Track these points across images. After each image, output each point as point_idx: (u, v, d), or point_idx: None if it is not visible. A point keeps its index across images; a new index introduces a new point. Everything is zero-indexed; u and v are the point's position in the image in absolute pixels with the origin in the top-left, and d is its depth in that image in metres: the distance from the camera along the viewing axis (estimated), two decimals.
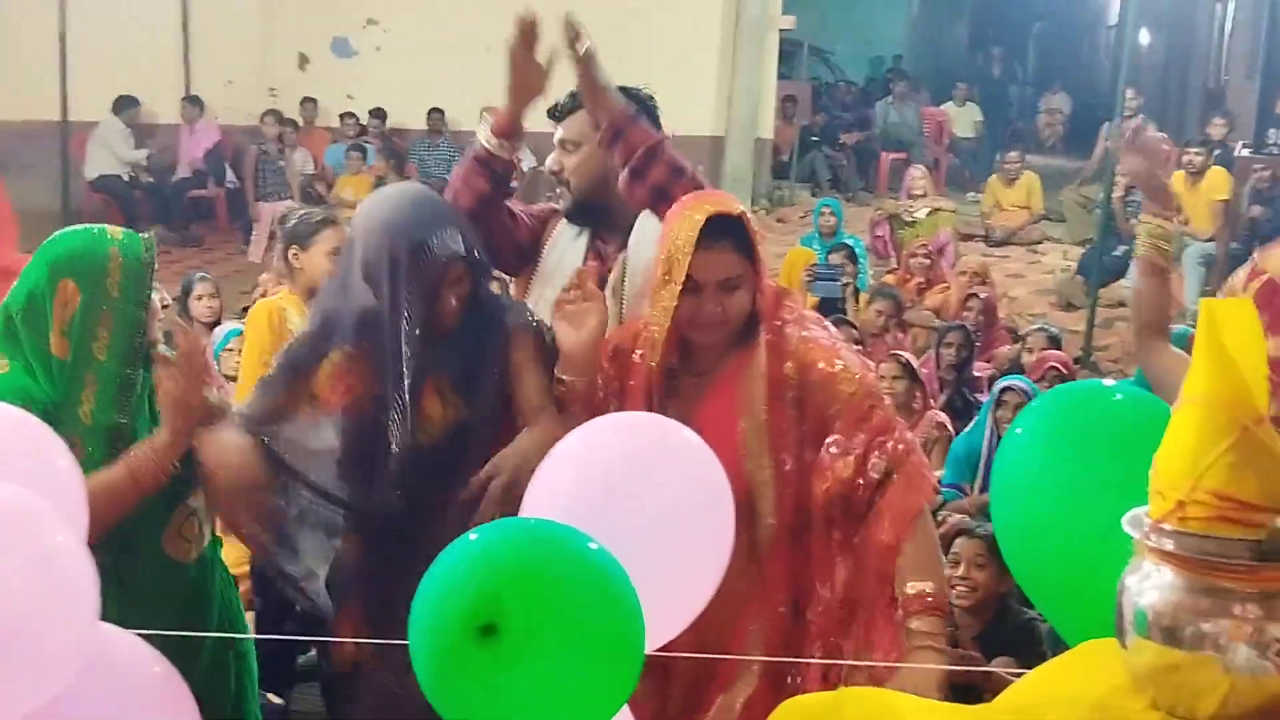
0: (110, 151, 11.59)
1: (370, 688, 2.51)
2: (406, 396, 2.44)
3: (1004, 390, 4.85)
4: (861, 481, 2.25)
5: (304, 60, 12.80)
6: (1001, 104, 15.58)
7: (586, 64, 2.84)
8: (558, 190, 3.05)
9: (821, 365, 2.34)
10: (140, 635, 1.86)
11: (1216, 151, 10.04)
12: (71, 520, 1.71)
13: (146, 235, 2.44)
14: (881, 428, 2.30)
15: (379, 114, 12.19)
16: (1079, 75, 19.14)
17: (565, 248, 3.05)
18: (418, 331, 2.43)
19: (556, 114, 3.06)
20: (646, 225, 2.90)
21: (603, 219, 3.00)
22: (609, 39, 11.26)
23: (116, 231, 2.38)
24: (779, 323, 2.39)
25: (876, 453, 2.26)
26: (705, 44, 12.38)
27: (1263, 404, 1.28)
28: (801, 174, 13.35)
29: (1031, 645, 3.27)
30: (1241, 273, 2.50)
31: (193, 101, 12.10)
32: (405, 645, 1.56)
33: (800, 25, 13.05)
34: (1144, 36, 15.82)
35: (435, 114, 12.03)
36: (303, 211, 4.15)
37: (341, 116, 12.22)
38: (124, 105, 11.69)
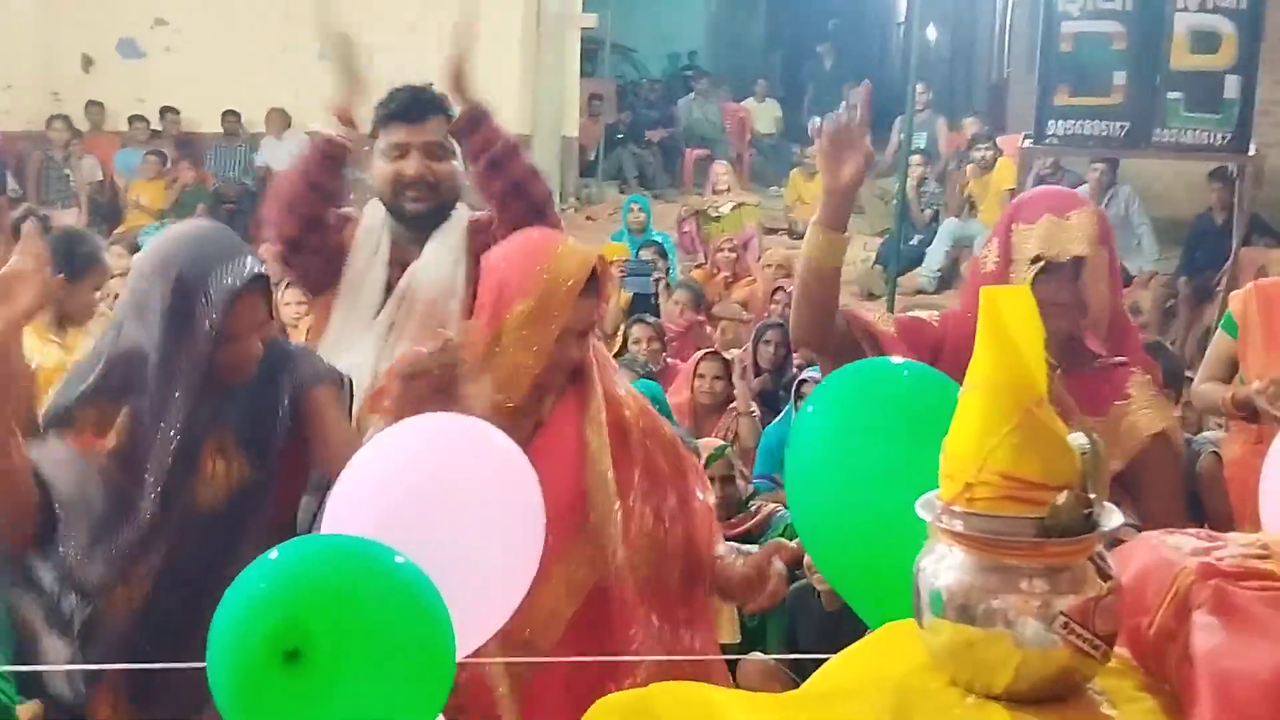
0: None
1: None
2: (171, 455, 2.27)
3: (802, 382, 4.96)
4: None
5: (88, 62, 12.24)
6: (800, 99, 15.93)
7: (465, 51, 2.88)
8: (408, 195, 2.99)
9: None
10: None
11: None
12: None
13: None
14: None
15: (172, 111, 11.74)
16: (872, 71, 19.74)
17: (367, 260, 3.01)
18: (190, 382, 2.26)
19: (410, 115, 2.98)
20: (439, 244, 2.92)
21: (424, 227, 2.99)
22: (409, 38, 11.10)
23: None
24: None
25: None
26: (507, 43, 12.33)
27: (1043, 386, 1.34)
28: (609, 171, 13.42)
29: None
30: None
31: None
32: None
33: (601, 23, 13.11)
34: (930, 33, 16.39)
35: (230, 116, 11.67)
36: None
37: (131, 119, 11.74)
38: None
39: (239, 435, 2.35)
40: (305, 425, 2.40)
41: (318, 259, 3.02)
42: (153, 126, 11.72)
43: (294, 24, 12.01)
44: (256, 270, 2.33)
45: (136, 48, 12.21)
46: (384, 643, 1.47)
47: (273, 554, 1.55)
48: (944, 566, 1.32)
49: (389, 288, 3.00)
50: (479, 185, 2.98)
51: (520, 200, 2.96)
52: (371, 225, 3.05)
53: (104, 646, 2.27)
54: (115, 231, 10.38)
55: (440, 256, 3.00)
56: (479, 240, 2.92)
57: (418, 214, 3.02)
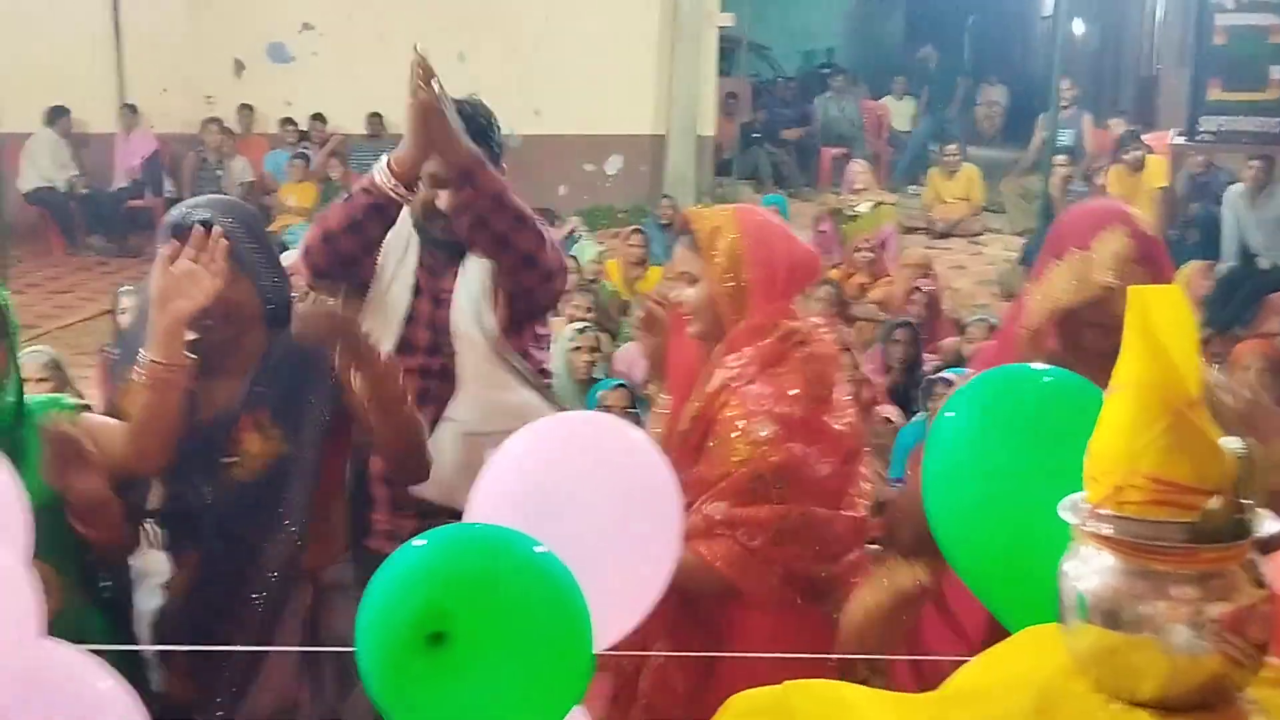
0: (42, 162, 11.44)
1: None
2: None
3: (935, 383, 4.89)
4: None
5: (240, 66, 12.67)
6: (940, 97, 15.68)
7: (440, 107, 2.70)
8: (439, 223, 2.94)
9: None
10: (88, 650, 1.84)
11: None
12: (11, 537, 1.68)
13: None
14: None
15: (319, 118, 12.10)
16: (1015, 67, 19.33)
17: (394, 271, 3.01)
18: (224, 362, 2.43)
19: None
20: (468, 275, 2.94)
21: (453, 251, 2.97)
22: (549, 40, 11.27)
23: None
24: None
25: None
26: (644, 43, 12.40)
27: (1194, 387, 1.31)
28: (744, 171, 13.39)
29: None
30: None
31: (129, 110, 11.95)
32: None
33: (738, 22, 13.09)
34: (1077, 27, 15.99)
35: (374, 118, 11.97)
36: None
37: (281, 122, 12.12)
38: (55, 115, 11.53)
39: (275, 411, 2.46)
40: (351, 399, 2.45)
41: (342, 283, 3.00)
42: (300, 128, 12.07)
43: (435, 27, 12.28)
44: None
45: (285, 52, 12.59)
46: (524, 629, 1.51)
47: (419, 541, 1.60)
48: (1089, 570, 1.30)
49: (417, 290, 3.00)
50: (467, 238, 2.88)
51: (509, 253, 2.87)
52: (401, 230, 2.99)
53: (170, 620, 2.44)
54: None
55: (469, 288, 2.96)
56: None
57: (446, 242, 2.98)
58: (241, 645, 2.36)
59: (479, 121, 2.92)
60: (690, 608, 2.41)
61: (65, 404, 2.51)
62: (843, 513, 2.47)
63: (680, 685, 2.45)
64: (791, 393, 2.43)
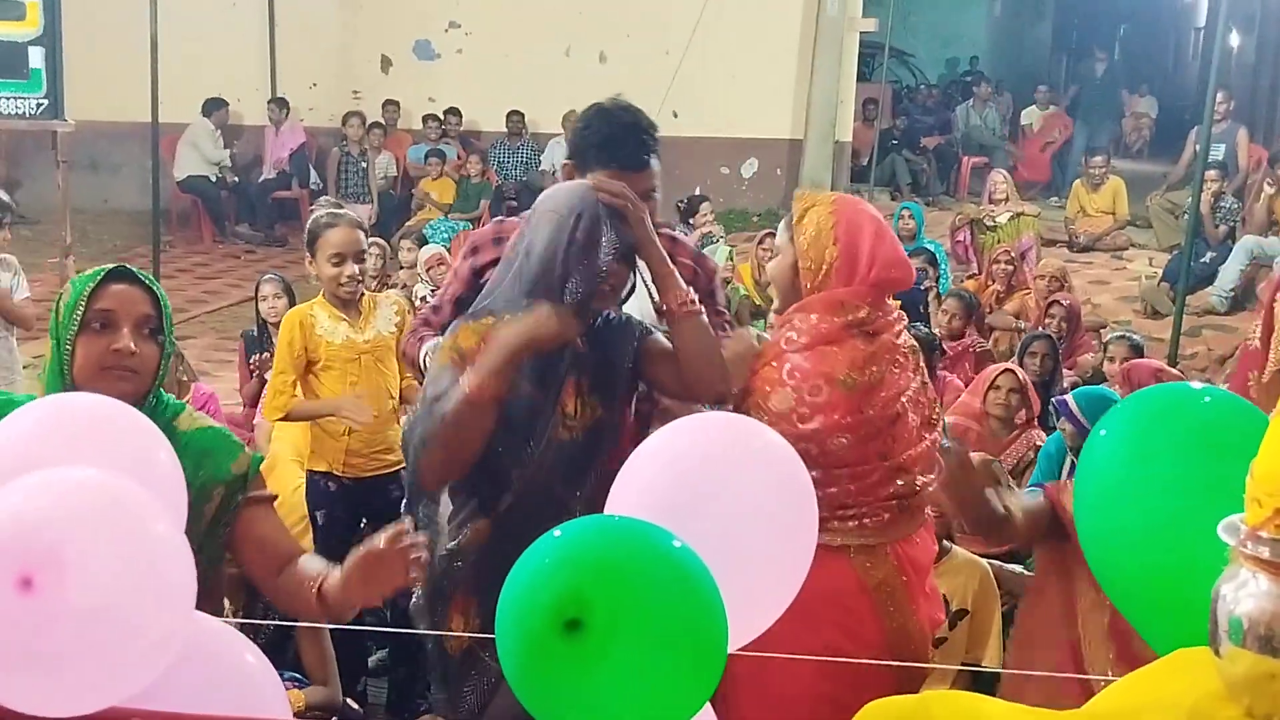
0: (197, 151, 11.84)
1: (480, 674, 2.60)
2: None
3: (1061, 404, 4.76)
4: None
5: (387, 63, 12.96)
6: (1089, 108, 15.30)
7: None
8: None
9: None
10: (231, 624, 1.90)
11: None
12: (173, 510, 1.75)
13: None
14: None
15: (454, 113, 12.30)
16: (1166, 78, 18.81)
17: None
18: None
19: (631, 161, 2.81)
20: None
21: None
22: (689, 43, 11.27)
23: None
24: None
25: None
26: (785, 47, 12.36)
27: None
28: (881, 177, 13.24)
29: None
30: None
31: (279, 103, 12.30)
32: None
33: (880, 27, 12.96)
34: (1234, 39, 15.48)
35: (515, 116, 12.14)
36: (315, 214, 4.11)
37: (424, 119, 12.37)
38: (212, 107, 11.93)
39: (592, 382, 2.61)
40: (649, 365, 2.64)
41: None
42: (443, 125, 12.29)
43: (577, 28, 12.41)
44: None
45: (431, 49, 12.84)
46: (659, 619, 1.53)
47: (557, 532, 1.62)
48: (1246, 594, 1.26)
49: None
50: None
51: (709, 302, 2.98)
52: None
53: (468, 559, 2.60)
54: (405, 225, 10.97)
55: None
56: None
57: None
58: None
59: (641, 127, 2.91)
60: None
61: (222, 434, 2.36)
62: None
63: None
64: (831, 373, 2.58)
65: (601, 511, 2.03)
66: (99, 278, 2.19)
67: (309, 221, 4.08)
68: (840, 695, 2.25)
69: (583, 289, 2.48)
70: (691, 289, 2.62)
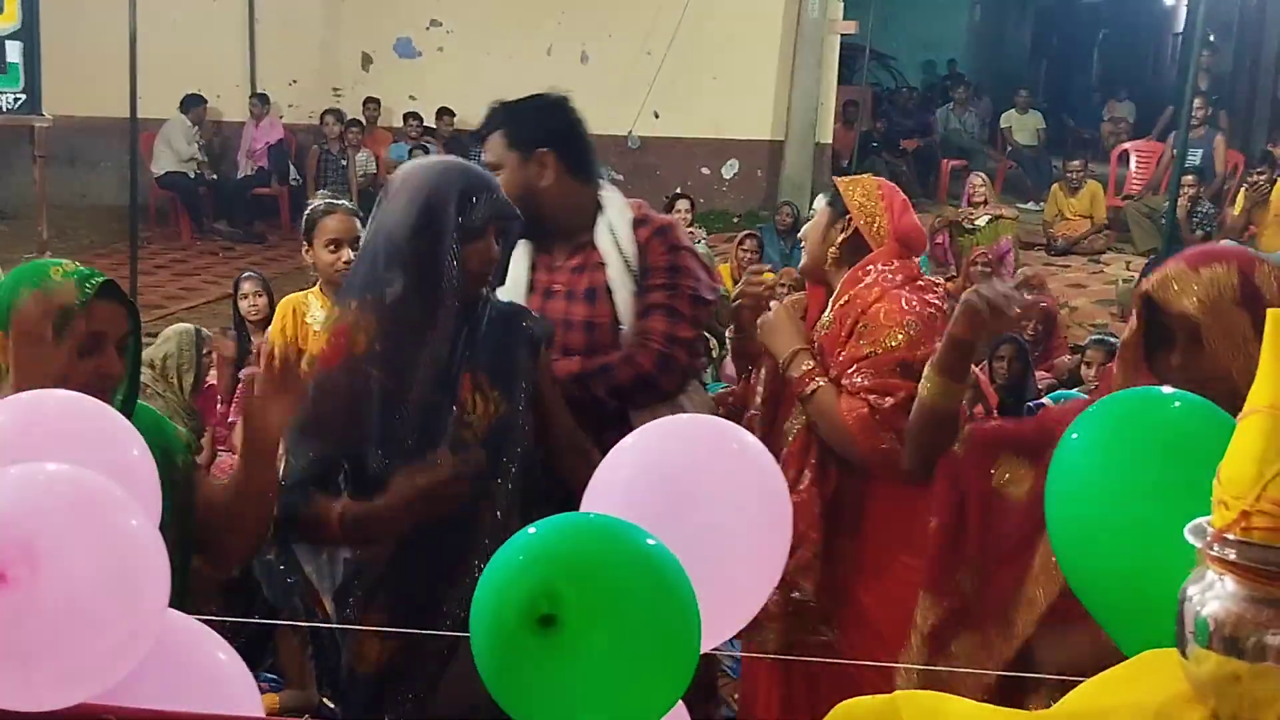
0: (171, 148, 11.79)
1: (396, 695, 2.53)
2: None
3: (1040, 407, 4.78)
4: None
5: (367, 60, 12.93)
6: (1065, 112, 15.40)
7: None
8: None
9: None
10: (202, 620, 1.90)
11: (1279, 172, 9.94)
12: (146, 506, 1.75)
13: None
14: None
15: (448, 113, 12.27)
16: (1144, 83, 18.90)
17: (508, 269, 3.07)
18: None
19: (478, 136, 3.14)
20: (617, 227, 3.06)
21: (534, 231, 3.03)
22: (671, 43, 11.27)
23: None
24: None
25: None
26: (766, 48, 12.38)
27: None
28: None
29: None
30: None
31: (260, 99, 12.26)
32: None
33: (861, 30, 13.01)
34: (1211, 45, 15.58)
35: None
36: (312, 204, 4.22)
37: (405, 117, 12.34)
38: (190, 103, 11.88)
39: (491, 376, 2.54)
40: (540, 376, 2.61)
41: None
42: (426, 124, 12.26)
43: (558, 27, 12.40)
44: (505, 213, 2.57)
45: (412, 47, 12.83)
46: (633, 616, 1.53)
47: (531, 529, 1.62)
48: (1212, 596, 1.28)
49: (530, 287, 3.10)
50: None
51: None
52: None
53: (370, 578, 2.52)
54: None
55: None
56: None
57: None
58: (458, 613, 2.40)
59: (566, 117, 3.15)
60: (835, 498, 2.92)
61: (171, 430, 2.39)
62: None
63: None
64: (940, 305, 2.90)
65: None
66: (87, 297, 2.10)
67: (306, 211, 4.16)
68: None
69: (436, 268, 2.45)
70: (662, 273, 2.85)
